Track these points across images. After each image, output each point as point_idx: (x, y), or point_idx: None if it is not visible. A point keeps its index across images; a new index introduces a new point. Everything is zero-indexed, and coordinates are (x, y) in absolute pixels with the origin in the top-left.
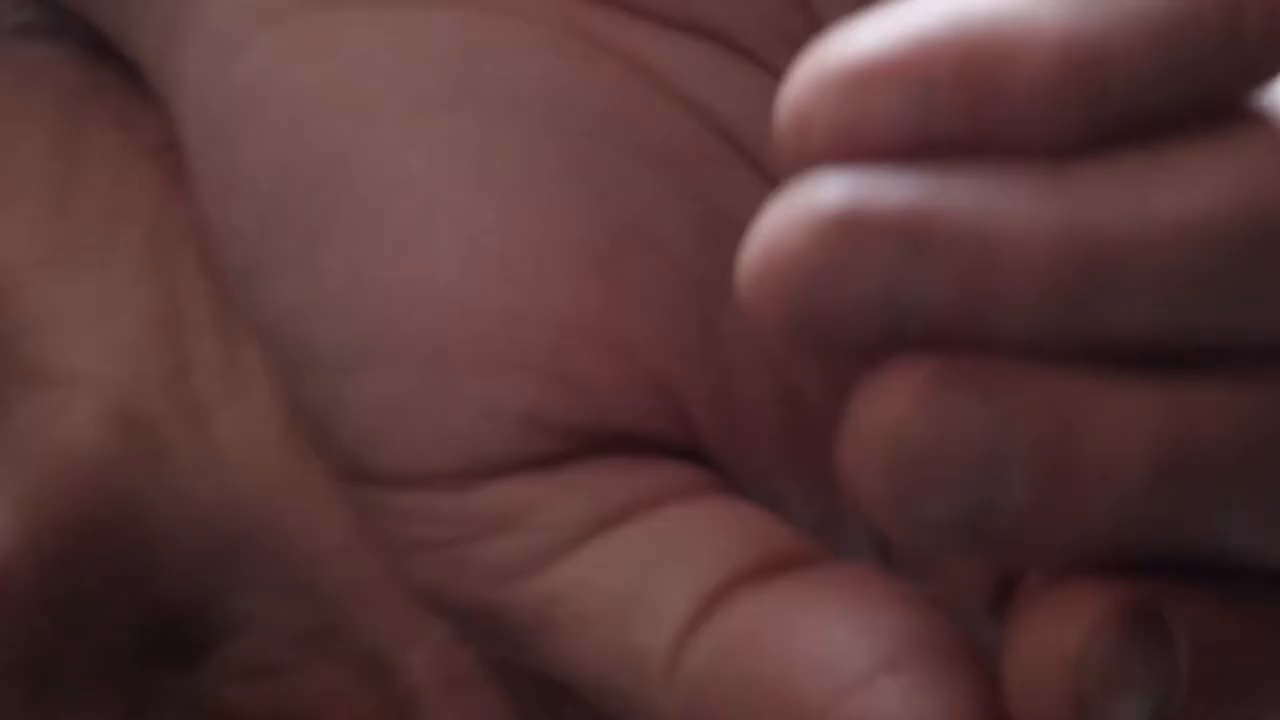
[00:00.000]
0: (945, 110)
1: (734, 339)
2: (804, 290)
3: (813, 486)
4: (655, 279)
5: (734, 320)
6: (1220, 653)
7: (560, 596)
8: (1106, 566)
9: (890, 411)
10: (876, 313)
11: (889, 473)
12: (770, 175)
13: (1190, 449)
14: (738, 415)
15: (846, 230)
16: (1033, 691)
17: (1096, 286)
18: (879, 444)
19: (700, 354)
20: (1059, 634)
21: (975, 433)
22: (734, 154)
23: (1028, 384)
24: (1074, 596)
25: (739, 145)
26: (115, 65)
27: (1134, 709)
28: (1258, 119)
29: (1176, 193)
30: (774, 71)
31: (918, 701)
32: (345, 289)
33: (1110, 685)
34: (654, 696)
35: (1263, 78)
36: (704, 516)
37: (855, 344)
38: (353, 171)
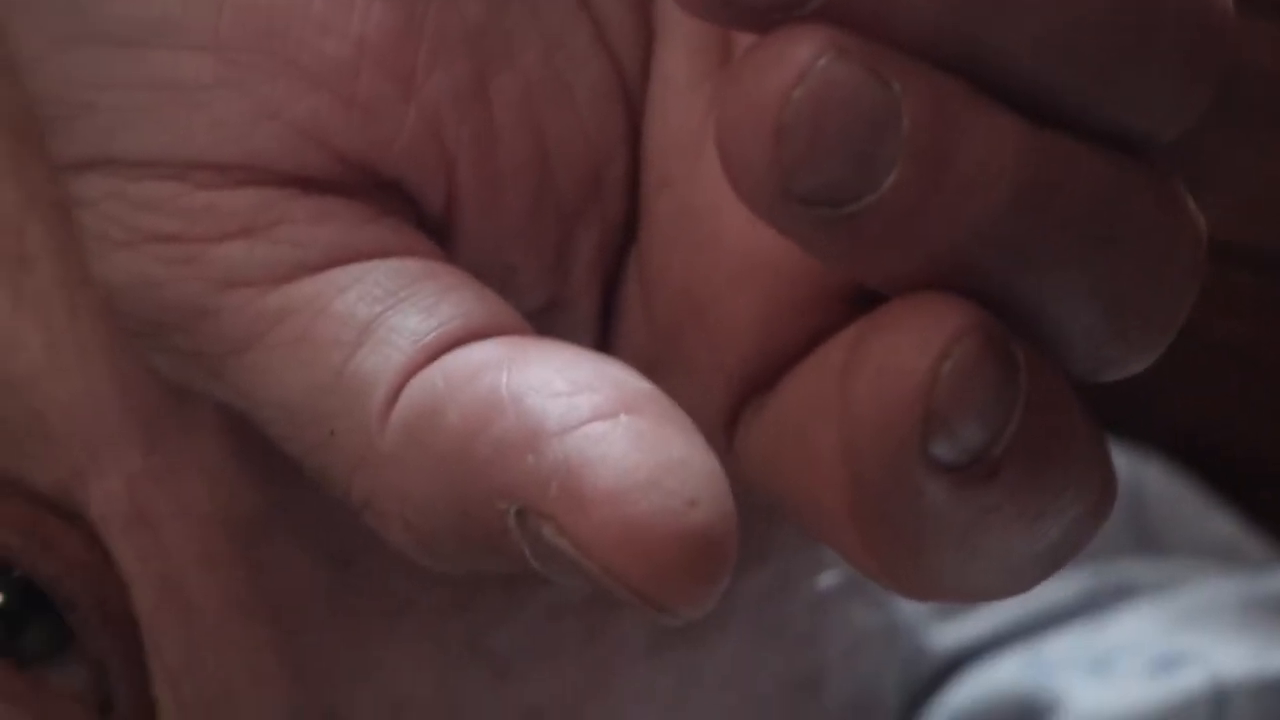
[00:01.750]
0: None
1: (503, 105)
2: None
3: (547, 268)
4: (444, 24)
5: (506, 87)
6: (1039, 407)
7: (288, 315)
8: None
9: (784, 72)
10: None
11: (775, 134)
12: None
13: (1047, 186)
14: (494, 176)
15: None
16: (879, 404)
17: None
18: (765, 104)
19: (472, 106)
20: (917, 343)
21: (863, 104)
22: None
23: (917, 73)
24: (932, 310)
25: None
26: None
27: (973, 433)
28: None
29: None
30: None
31: (657, 439)
32: None
33: (960, 401)
34: (365, 425)
35: None
36: (445, 274)
37: (758, 5)
38: None
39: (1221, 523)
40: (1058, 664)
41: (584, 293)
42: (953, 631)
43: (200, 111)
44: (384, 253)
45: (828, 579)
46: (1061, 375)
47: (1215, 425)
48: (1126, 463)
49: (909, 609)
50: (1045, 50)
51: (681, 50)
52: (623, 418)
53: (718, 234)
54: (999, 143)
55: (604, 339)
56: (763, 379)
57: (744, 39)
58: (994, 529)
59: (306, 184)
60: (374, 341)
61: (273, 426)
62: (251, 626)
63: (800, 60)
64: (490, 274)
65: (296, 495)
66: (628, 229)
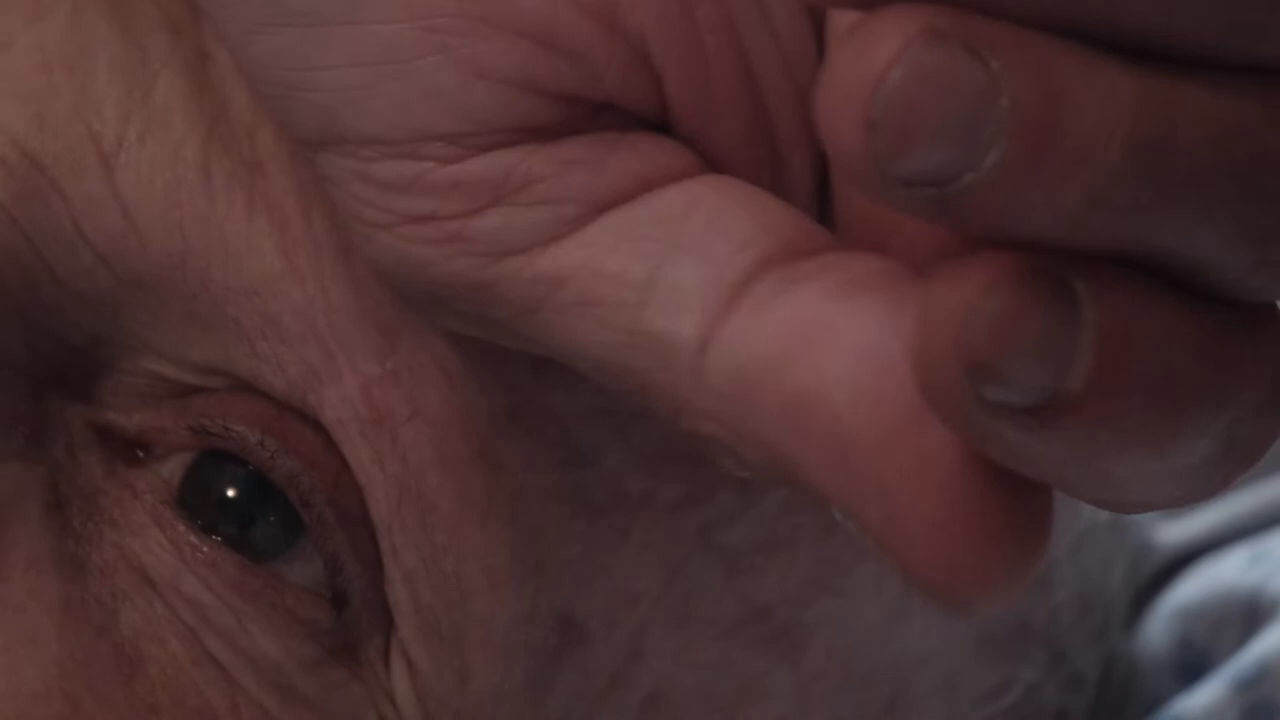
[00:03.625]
0: None
1: (709, 31)
2: None
3: (763, 180)
4: None
5: (710, 14)
6: (1141, 345)
7: (565, 279)
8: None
9: (876, 60)
10: None
11: (868, 124)
12: None
13: (1169, 141)
14: (707, 102)
15: None
16: (927, 356)
17: None
18: (860, 93)
19: (679, 34)
20: (953, 291)
21: (961, 88)
22: None
23: (1019, 47)
24: (977, 259)
25: None
26: None
27: (1025, 373)
28: None
29: None
30: None
31: None
32: None
33: (998, 343)
34: (680, 383)
35: None
36: (710, 198)
37: None
38: None
39: None
40: None
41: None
42: (1180, 527)
43: (412, 83)
44: (639, 184)
45: None
46: (1176, 297)
47: None
48: None
49: None
50: None
51: None
52: None
53: None
54: (1112, 105)
55: None
56: None
57: None
58: (1112, 456)
59: (536, 136)
60: (660, 300)
61: (584, 373)
62: (489, 528)
63: (891, 48)
64: None
65: (535, 396)
66: None
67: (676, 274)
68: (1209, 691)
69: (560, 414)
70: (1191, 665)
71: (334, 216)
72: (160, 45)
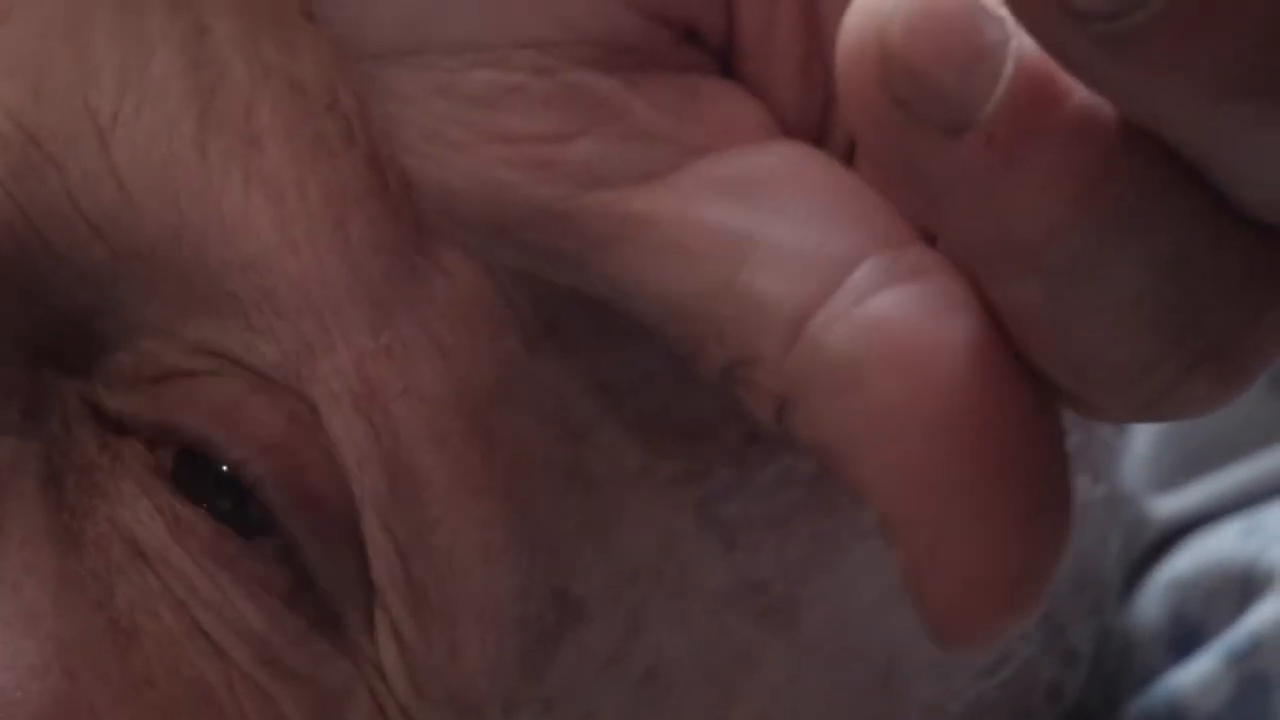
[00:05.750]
0: None
1: None
2: None
3: (811, 128)
4: None
5: None
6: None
7: (656, 221)
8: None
9: None
10: None
11: None
12: None
13: None
14: (771, 18)
15: None
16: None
17: None
18: None
19: None
20: None
21: None
22: None
23: None
24: None
25: None
26: None
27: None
28: None
29: None
30: None
31: None
32: None
33: (915, 49)
34: (764, 343)
35: None
36: (811, 169)
37: None
38: None
39: None
40: (1277, 534)
41: (840, 154)
42: (1174, 500)
43: None
44: (729, 137)
45: None
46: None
47: None
48: None
49: (1132, 480)
50: None
51: None
52: None
53: None
54: None
55: None
56: None
57: None
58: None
59: (624, 59)
60: (761, 260)
61: (646, 318)
62: (483, 503)
63: None
64: None
65: (530, 370)
66: None
67: (781, 238)
68: (1202, 664)
69: (555, 388)
70: (1185, 638)
71: (329, 189)
72: (158, 18)
